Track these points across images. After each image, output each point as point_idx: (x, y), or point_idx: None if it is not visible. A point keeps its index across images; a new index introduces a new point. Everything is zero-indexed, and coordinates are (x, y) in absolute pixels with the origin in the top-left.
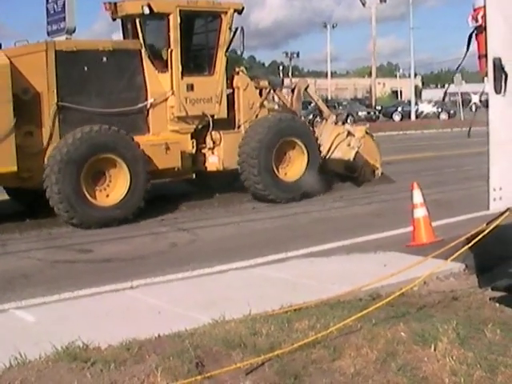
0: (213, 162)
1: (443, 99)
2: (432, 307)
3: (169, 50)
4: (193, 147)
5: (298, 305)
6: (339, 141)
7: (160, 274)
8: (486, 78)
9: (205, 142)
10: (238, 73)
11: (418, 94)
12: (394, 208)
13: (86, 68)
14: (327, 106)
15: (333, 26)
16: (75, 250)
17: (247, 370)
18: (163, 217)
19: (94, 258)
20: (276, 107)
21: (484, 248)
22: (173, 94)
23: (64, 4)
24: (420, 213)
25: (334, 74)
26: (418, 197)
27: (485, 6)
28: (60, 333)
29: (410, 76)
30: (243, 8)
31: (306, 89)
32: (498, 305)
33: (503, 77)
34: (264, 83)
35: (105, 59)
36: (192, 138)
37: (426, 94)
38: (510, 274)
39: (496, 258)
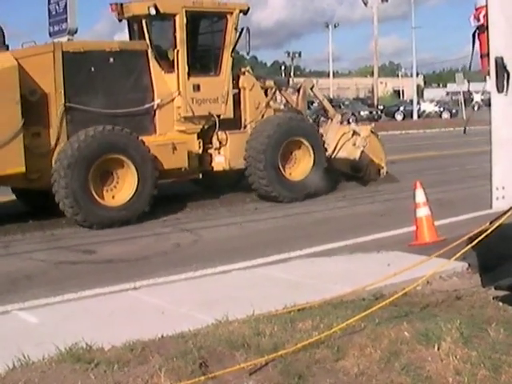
0: (219, 162)
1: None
2: (435, 306)
3: (175, 51)
4: (199, 147)
5: (301, 305)
6: (345, 140)
7: (163, 274)
8: (488, 77)
9: (211, 142)
10: (243, 73)
11: (420, 93)
12: (397, 207)
13: (92, 69)
14: (332, 106)
15: (335, 26)
16: (78, 251)
17: (251, 370)
18: (166, 217)
19: (97, 259)
20: (282, 107)
21: (487, 247)
22: (179, 94)
23: (66, 5)
24: (423, 212)
25: (335, 74)
26: (420, 196)
27: (487, 6)
28: (63, 334)
29: (411, 75)
30: (248, 8)
31: (311, 88)
32: (501, 304)
33: (505, 76)
34: (270, 83)
35: (111, 60)
36: (198, 138)
37: (428, 93)
38: None
39: (499, 256)
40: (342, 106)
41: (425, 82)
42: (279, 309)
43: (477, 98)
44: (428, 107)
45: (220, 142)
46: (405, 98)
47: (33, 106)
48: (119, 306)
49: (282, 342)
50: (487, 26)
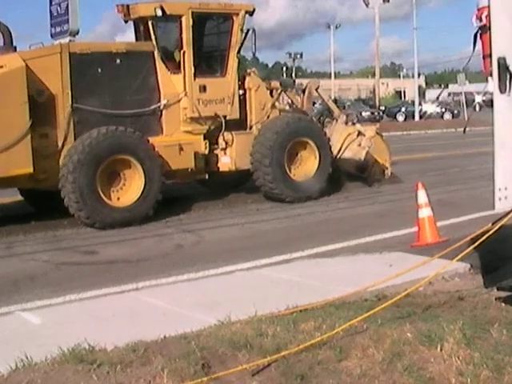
0: (225, 163)
1: (437, 98)
2: (438, 307)
3: (181, 52)
4: (205, 148)
5: (303, 306)
6: (350, 141)
7: (165, 275)
8: (489, 78)
9: (217, 143)
10: (249, 74)
11: (421, 94)
12: (399, 208)
13: (99, 70)
14: (337, 107)
15: (336, 27)
16: (80, 252)
17: (253, 371)
18: (168, 218)
19: (99, 260)
20: (287, 108)
21: (489, 248)
22: (186, 95)
23: (67, 6)
24: (425, 213)
25: (337, 75)
26: (422, 197)
27: (489, 6)
28: (66, 335)
29: (413, 76)
30: (254, 9)
31: (316, 89)
32: (503, 305)
33: (508, 76)
34: (275, 84)
35: (118, 61)
36: (205, 138)
37: (430, 94)
38: None
39: (501, 257)
40: (346, 107)
41: (426, 83)
42: (281, 309)
43: (478, 98)
44: (430, 108)
45: (226, 143)
46: (406, 99)
47: (40, 106)
48: (121, 307)
49: (284, 343)
50: (489, 27)
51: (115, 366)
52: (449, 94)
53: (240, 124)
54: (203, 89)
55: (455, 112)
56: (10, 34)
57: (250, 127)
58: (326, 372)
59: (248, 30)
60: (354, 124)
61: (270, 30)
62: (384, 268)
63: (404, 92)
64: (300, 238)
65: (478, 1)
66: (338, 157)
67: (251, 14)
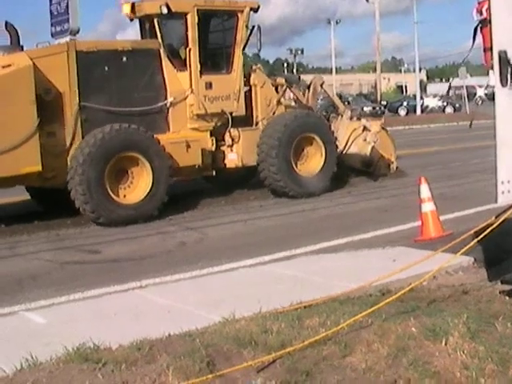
0: (232, 159)
1: (447, 92)
2: (442, 301)
3: (187, 49)
4: (212, 144)
5: (307, 302)
6: (355, 136)
7: (169, 273)
8: (491, 71)
9: (223, 140)
10: (254, 70)
11: (422, 88)
12: (402, 202)
13: (106, 68)
14: (342, 102)
15: (336, 22)
16: (83, 251)
17: (258, 367)
18: (171, 216)
19: (102, 259)
20: (292, 104)
21: (493, 241)
22: (192, 92)
23: (67, 5)
24: (428, 207)
25: (338, 70)
26: (425, 191)
27: None
28: (70, 334)
29: (414, 70)
30: (259, 6)
31: (321, 85)
32: (507, 298)
33: (509, 70)
34: (281, 80)
35: (124, 59)
36: (211, 135)
37: (431, 88)
38: None
39: (505, 251)
40: (350, 102)
41: (428, 77)
42: (286, 306)
43: (480, 92)
44: (431, 102)
45: (232, 139)
46: (408, 93)
47: (48, 105)
48: (125, 305)
49: (289, 339)
50: (490, 20)
51: (120, 365)
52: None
53: (246, 120)
54: (209, 86)
55: (457, 106)
56: (17, 33)
57: (256, 123)
58: (331, 368)
59: (253, 27)
60: (359, 119)
61: (271, 26)
62: (387, 263)
63: (405, 86)
64: (303, 233)
65: None
66: (343, 152)
67: (256, 10)
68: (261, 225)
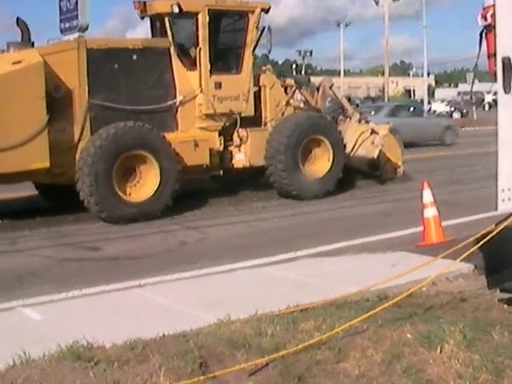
0: (239, 159)
1: (470, 97)
2: (439, 308)
3: (197, 49)
4: (220, 144)
5: (304, 305)
6: (363, 139)
7: (168, 272)
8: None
9: (232, 140)
10: (264, 71)
11: (430, 93)
12: (405, 207)
13: (116, 66)
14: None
15: (346, 25)
16: (84, 248)
17: (251, 370)
18: (173, 215)
19: (102, 256)
20: (301, 105)
21: (493, 249)
22: (201, 91)
23: (77, 2)
24: (430, 212)
25: (347, 73)
26: (428, 196)
27: (494, 5)
28: (65, 331)
29: (422, 75)
30: (270, 7)
31: (330, 87)
32: (506, 306)
33: None
34: (290, 81)
35: (135, 57)
36: (220, 135)
37: (439, 93)
38: None
39: (506, 259)
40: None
41: (436, 82)
42: (282, 308)
43: (488, 98)
44: (439, 107)
45: (241, 140)
46: (415, 98)
47: (57, 102)
48: (123, 304)
49: (283, 343)
50: (494, 26)
51: (112, 364)
52: (458, 93)
53: (255, 121)
54: (219, 85)
55: (464, 111)
56: (29, 30)
57: (265, 124)
58: (324, 373)
59: (264, 28)
60: (367, 122)
61: (280, 27)
62: (387, 268)
63: (413, 91)
64: (305, 236)
65: (484, 0)
66: (351, 155)
67: (267, 11)
68: (263, 226)
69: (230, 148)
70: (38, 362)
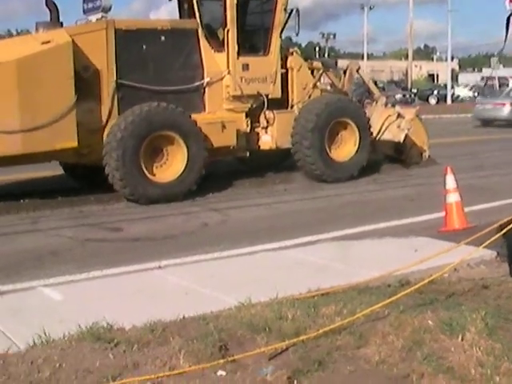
0: (266, 141)
1: (485, 83)
2: (461, 295)
3: (225, 30)
4: (247, 126)
5: (325, 289)
6: (389, 122)
7: (190, 254)
8: None
9: (258, 121)
10: (292, 53)
11: (454, 77)
12: (428, 192)
13: (144, 47)
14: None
15: (370, 8)
16: (105, 229)
17: (271, 355)
18: (195, 197)
19: (123, 237)
20: (328, 88)
21: None
22: (229, 73)
23: None
24: (453, 198)
25: (370, 56)
26: (450, 182)
27: None
28: (86, 312)
29: (446, 59)
30: None
31: (357, 70)
32: None
33: None
34: (317, 64)
35: (163, 38)
36: (246, 116)
37: (463, 77)
38: None
39: None
40: (385, 89)
41: (459, 66)
42: (303, 292)
43: None
44: (462, 92)
45: (267, 122)
46: (439, 82)
47: (85, 82)
48: (143, 286)
49: (303, 327)
50: None
51: (132, 346)
52: (482, 78)
53: (281, 103)
54: (246, 67)
55: (488, 96)
56: (58, 10)
57: (292, 106)
58: (344, 358)
59: (292, 10)
60: (393, 106)
61: (304, 9)
62: (409, 253)
63: (437, 75)
64: (327, 219)
65: None
66: (377, 138)
67: None
68: (285, 209)
69: (256, 130)
70: (58, 342)
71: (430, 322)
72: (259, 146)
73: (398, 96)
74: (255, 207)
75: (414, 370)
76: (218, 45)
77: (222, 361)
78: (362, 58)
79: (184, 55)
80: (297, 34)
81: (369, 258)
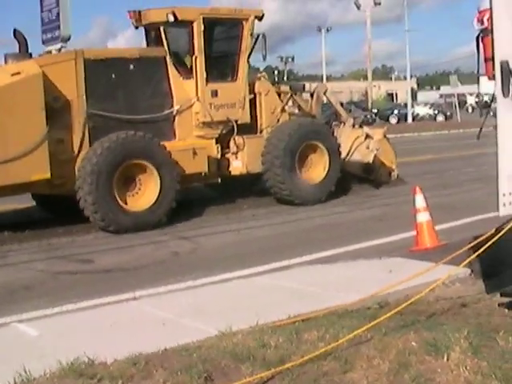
0: (237, 167)
1: (479, 99)
2: (441, 315)
3: (193, 57)
4: (218, 152)
5: (305, 314)
6: (358, 143)
7: (163, 283)
8: (481, 79)
9: (228, 147)
10: (259, 78)
11: (413, 96)
12: (396, 212)
13: (113, 76)
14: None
15: (327, 30)
16: (76, 261)
17: (257, 383)
18: (164, 225)
19: (95, 269)
20: (296, 112)
21: (489, 253)
22: (198, 100)
23: (58, 12)
24: (423, 217)
25: (329, 78)
26: (420, 201)
27: (491, 8)
28: (64, 346)
29: (405, 78)
30: (263, 14)
31: (324, 93)
32: (507, 311)
33: (511, 80)
34: (285, 88)
35: (132, 67)
36: (217, 142)
37: (422, 95)
38: None
39: (502, 263)
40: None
41: (418, 85)
42: (283, 318)
43: (470, 100)
44: (422, 110)
45: (237, 147)
46: (398, 101)
47: (56, 112)
48: (120, 317)
49: (288, 354)
50: (491, 30)
51: (116, 380)
52: (440, 96)
53: (251, 128)
54: (215, 93)
55: (448, 114)
56: (26, 40)
57: (261, 131)
58: None
59: (258, 35)
60: (361, 127)
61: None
62: (384, 274)
63: (396, 94)
64: (297, 243)
65: (480, 3)
66: (346, 159)
67: (260, 18)
68: (254, 234)
69: (227, 155)
70: (39, 380)
71: (413, 343)
72: (230, 172)
73: (360, 117)
74: (225, 234)
75: None
76: (187, 72)
77: None
78: (321, 79)
79: (153, 83)
80: (264, 59)
81: (344, 281)
